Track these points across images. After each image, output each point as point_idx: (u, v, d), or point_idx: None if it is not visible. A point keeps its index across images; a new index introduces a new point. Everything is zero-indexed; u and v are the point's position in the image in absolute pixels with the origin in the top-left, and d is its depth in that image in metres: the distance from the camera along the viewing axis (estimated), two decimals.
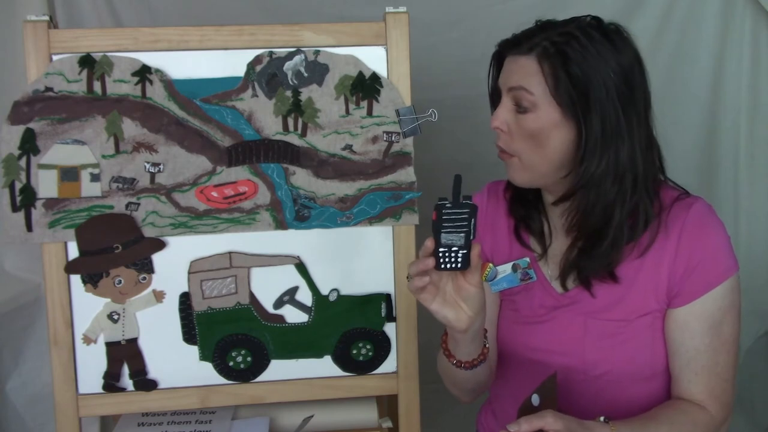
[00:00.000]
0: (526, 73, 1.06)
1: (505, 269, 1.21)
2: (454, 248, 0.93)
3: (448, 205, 0.92)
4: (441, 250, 0.93)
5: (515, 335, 1.21)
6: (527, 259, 1.20)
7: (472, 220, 0.93)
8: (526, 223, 1.21)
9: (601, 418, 1.02)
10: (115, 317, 1.21)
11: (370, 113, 1.21)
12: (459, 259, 0.94)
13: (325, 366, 1.26)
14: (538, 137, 1.07)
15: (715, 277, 1.10)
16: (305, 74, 1.19)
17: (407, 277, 0.97)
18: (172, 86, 1.18)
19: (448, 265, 0.94)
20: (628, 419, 1.06)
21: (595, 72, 1.04)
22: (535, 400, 0.97)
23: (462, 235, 0.93)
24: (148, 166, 1.18)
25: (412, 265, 0.96)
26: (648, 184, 1.09)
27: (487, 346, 1.08)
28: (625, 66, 1.05)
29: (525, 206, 1.21)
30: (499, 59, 1.14)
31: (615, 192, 1.07)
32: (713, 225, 1.11)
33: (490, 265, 1.21)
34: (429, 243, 0.94)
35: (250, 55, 1.19)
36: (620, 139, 1.05)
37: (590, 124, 1.04)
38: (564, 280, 1.16)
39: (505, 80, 1.10)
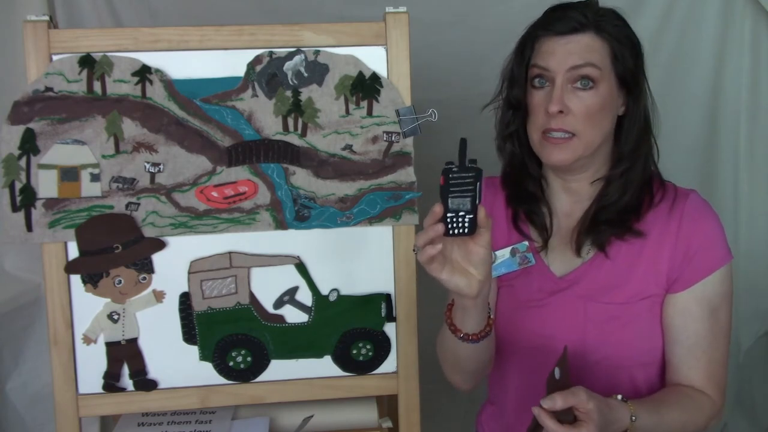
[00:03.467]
0: (591, 49, 1.11)
1: (503, 254, 1.21)
2: (462, 213, 0.92)
3: (455, 169, 0.92)
4: (449, 215, 0.92)
5: (515, 320, 1.21)
6: (526, 243, 1.21)
7: (478, 183, 0.92)
8: (528, 215, 1.22)
9: (618, 397, 1.03)
10: (115, 317, 1.21)
11: (370, 113, 1.21)
12: (467, 224, 0.93)
13: (325, 366, 1.26)
14: (600, 113, 1.12)
15: (714, 262, 1.13)
16: (305, 74, 1.19)
17: (414, 249, 0.97)
18: (172, 86, 1.18)
19: (457, 231, 0.93)
20: (642, 400, 1.07)
21: (637, 43, 1.15)
22: (557, 373, 0.98)
23: (468, 199, 0.92)
24: (148, 166, 1.18)
25: (420, 236, 0.95)
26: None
27: (491, 316, 1.08)
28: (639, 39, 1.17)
29: (527, 199, 1.22)
30: (527, 44, 1.15)
31: (651, 164, 1.17)
32: (711, 214, 1.16)
33: None
34: (438, 208, 0.93)
35: (250, 55, 1.19)
36: (649, 108, 1.16)
37: (643, 92, 1.15)
38: (579, 248, 1.17)
39: (560, 61, 1.11)
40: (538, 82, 1.14)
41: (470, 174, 0.92)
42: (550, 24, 1.12)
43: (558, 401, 0.94)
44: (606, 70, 1.11)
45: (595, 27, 1.11)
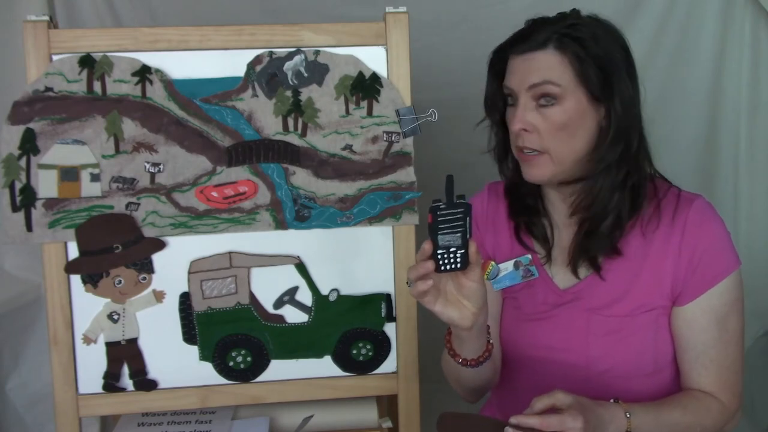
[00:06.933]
0: (549, 66, 1.08)
1: (507, 267, 1.21)
2: (452, 249, 0.93)
3: (443, 206, 0.92)
4: (439, 252, 0.93)
5: (518, 333, 1.21)
6: (529, 256, 1.20)
7: (468, 218, 0.93)
8: (528, 228, 1.21)
9: (611, 401, 1.03)
10: (115, 317, 1.21)
11: (370, 113, 1.21)
12: (458, 260, 0.94)
13: (325, 366, 1.26)
14: (568, 128, 1.08)
15: (719, 273, 1.12)
16: (305, 74, 1.19)
17: (407, 283, 0.97)
18: (172, 86, 1.18)
19: (448, 267, 0.94)
20: (637, 402, 1.06)
21: (610, 51, 1.08)
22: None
23: (458, 235, 0.92)
24: (148, 166, 1.18)
25: (411, 270, 0.96)
26: (645, 163, 1.13)
27: (491, 342, 1.08)
28: (625, 45, 1.10)
29: (526, 212, 1.21)
30: (498, 63, 1.14)
31: (624, 173, 1.10)
32: (715, 221, 1.13)
33: (492, 263, 1.21)
34: (427, 246, 0.93)
35: (250, 55, 1.19)
36: (636, 119, 1.10)
37: (614, 104, 1.08)
38: (575, 267, 1.16)
39: (520, 80, 1.09)
40: (510, 101, 1.13)
41: (459, 210, 0.92)
42: (512, 43, 1.11)
43: (536, 405, 0.95)
44: (570, 85, 1.07)
45: (556, 43, 1.08)
